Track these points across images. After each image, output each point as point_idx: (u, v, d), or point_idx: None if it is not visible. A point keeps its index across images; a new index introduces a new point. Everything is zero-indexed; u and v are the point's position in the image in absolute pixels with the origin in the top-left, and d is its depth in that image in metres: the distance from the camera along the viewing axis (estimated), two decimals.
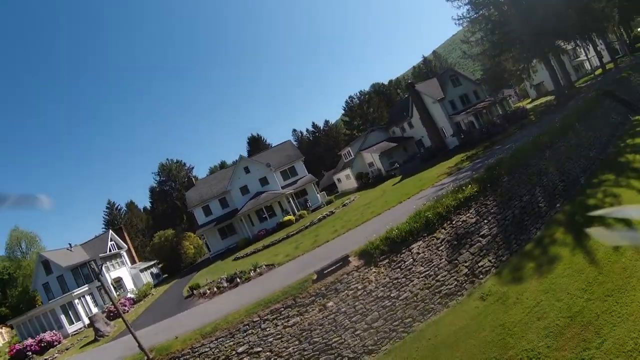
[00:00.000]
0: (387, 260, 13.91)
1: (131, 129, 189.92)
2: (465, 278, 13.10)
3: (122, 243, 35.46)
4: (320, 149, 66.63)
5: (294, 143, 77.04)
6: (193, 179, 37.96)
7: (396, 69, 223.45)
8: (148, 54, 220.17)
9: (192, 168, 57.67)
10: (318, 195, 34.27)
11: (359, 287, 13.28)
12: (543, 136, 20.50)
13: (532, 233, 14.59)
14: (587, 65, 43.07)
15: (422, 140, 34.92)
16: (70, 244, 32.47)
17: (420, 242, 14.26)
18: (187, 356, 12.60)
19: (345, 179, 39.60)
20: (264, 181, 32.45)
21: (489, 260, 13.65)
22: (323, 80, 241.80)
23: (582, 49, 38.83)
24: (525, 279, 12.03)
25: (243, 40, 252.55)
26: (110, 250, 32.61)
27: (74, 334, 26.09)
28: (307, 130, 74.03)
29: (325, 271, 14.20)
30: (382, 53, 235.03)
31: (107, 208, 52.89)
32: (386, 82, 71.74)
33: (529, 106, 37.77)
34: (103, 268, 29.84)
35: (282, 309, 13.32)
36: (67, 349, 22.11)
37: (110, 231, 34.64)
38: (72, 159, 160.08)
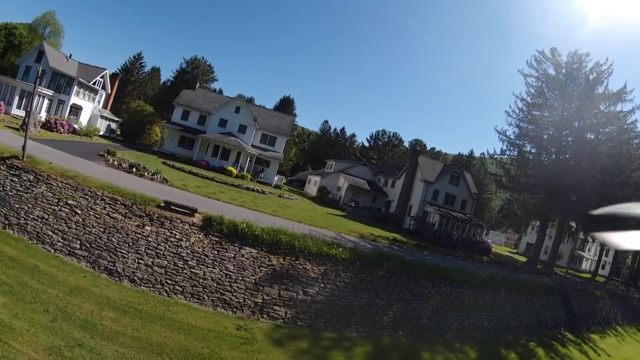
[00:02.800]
0: (217, 239, 14.20)
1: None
2: (253, 304, 12.96)
3: (109, 88, 37.24)
4: (332, 151, 66.74)
5: (318, 131, 77.97)
6: (198, 83, 39.25)
7: (448, 144, 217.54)
8: None
9: (216, 80, 59.44)
10: (276, 176, 34.69)
11: (177, 237, 13.69)
12: (459, 274, 18.63)
13: (345, 330, 13.60)
14: (583, 264, 40.85)
15: (391, 204, 34.51)
16: (70, 55, 34.51)
17: (255, 250, 14.36)
18: (40, 177, 14.27)
19: (313, 184, 39.90)
20: (242, 129, 33.16)
21: (284, 313, 13.07)
22: (379, 100, 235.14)
23: (588, 245, 36.83)
24: (282, 344, 11.49)
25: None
26: (93, 84, 34.38)
27: (13, 117, 28.18)
28: (335, 129, 74.31)
29: (172, 206, 14.73)
30: (448, 125, 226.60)
31: (133, 57, 55.40)
32: (428, 147, 70.61)
33: (502, 252, 36.43)
34: (73, 92, 31.63)
35: (119, 203, 14.17)
36: None
37: (107, 71, 36.40)
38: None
